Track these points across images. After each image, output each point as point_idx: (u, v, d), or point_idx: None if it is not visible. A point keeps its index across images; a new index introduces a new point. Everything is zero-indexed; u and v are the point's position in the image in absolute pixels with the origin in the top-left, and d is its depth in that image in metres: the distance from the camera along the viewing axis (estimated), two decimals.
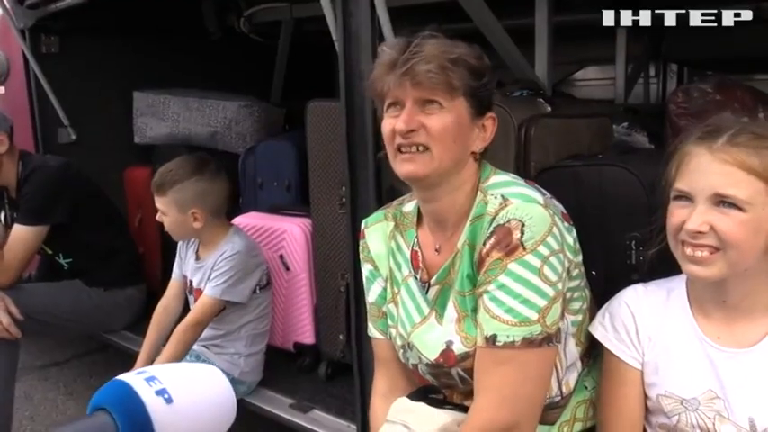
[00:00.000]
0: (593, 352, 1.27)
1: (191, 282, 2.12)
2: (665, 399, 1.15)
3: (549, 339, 1.10)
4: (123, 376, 0.68)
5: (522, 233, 1.08)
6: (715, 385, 1.10)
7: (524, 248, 1.07)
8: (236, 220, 2.24)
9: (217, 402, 0.75)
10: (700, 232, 1.02)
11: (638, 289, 1.21)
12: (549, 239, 1.08)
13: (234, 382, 1.90)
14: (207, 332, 2.04)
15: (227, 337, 2.06)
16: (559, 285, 1.09)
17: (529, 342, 1.08)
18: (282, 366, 2.22)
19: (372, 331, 1.40)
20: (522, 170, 1.49)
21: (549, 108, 1.70)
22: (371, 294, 1.39)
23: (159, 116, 2.69)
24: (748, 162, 0.99)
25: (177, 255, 2.22)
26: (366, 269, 1.39)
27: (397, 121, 1.13)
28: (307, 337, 2.15)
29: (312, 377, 2.15)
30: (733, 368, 1.09)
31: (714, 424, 1.10)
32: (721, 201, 1.01)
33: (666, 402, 1.15)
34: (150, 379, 0.68)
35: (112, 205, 2.63)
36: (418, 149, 1.13)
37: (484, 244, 1.12)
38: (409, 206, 1.33)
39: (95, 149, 2.77)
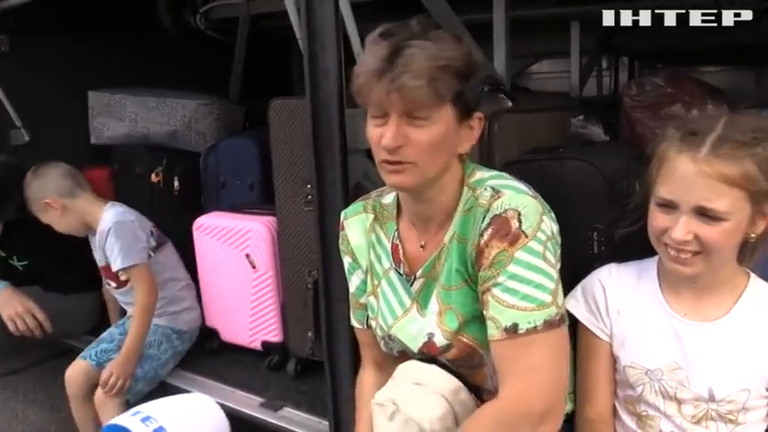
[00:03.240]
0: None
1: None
2: (631, 369, 1.22)
3: (564, 319, 1.14)
4: (119, 420, 0.73)
5: (520, 222, 1.10)
6: (678, 357, 1.17)
7: (526, 236, 1.10)
8: (200, 220, 2.23)
9: (211, 430, 0.78)
10: (685, 241, 1.08)
11: (612, 267, 1.29)
12: (543, 226, 1.12)
13: (180, 333, 2.27)
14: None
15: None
16: (557, 267, 1.13)
17: (549, 324, 1.10)
18: (251, 366, 2.22)
19: (353, 320, 1.44)
20: (487, 165, 1.51)
21: (510, 103, 1.74)
22: (351, 286, 1.41)
23: (116, 116, 2.64)
24: (730, 175, 1.04)
25: None
26: (346, 261, 1.40)
27: (384, 136, 1.11)
28: (275, 335, 2.15)
29: (281, 375, 2.16)
30: (697, 340, 1.17)
31: (676, 393, 1.17)
32: (704, 212, 1.06)
33: (632, 373, 1.22)
34: (146, 419, 0.73)
35: None
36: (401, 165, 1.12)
37: (481, 235, 1.13)
38: (388, 198, 1.34)
39: (50, 151, 2.65)
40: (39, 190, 2.18)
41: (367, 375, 1.43)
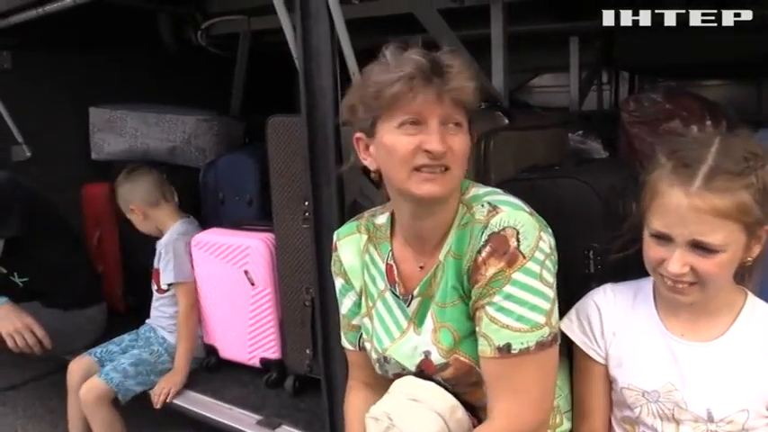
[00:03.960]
0: (562, 364, 1.30)
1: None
2: (628, 391, 1.21)
3: (556, 338, 1.15)
4: None
5: (519, 241, 1.11)
6: (675, 378, 1.16)
7: (524, 257, 1.10)
8: (198, 237, 2.23)
9: None
10: (681, 274, 1.08)
11: (607, 288, 1.28)
12: (542, 244, 1.12)
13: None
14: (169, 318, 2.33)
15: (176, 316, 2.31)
16: (554, 286, 1.13)
17: (541, 345, 1.11)
18: (248, 383, 2.21)
19: (343, 341, 1.43)
20: (482, 183, 1.51)
21: (507, 120, 1.74)
22: (343, 307, 1.40)
23: (117, 132, 2.65)
24: (724, 208, 1.03)
25: None
26: (338, 283, 1.39)
27: (427, 142, 1.10)
28: (273, 352, 2.14)
29: (278, 392, 2.14)
30: (693, 361, 1.16)
31: (673, 414, 1.16)
32: (699, 245, 1.05)
33: (629, 395, 1.21)
34: None
35: (66, 222, 2.56)
36: (440, 170, 1.12)
37: (479, 252, 1.13)
38: (382, 218, 1.33)
39: (51, 167, 2.70)
40: (128, 193, 2.34)
41: (355, 395, 1.41)
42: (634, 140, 2.09)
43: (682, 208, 1.05)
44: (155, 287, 2.38)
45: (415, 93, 1.09)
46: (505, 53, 2.09)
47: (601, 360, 1.26)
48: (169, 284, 2.28)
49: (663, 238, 1.09)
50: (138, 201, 2.32)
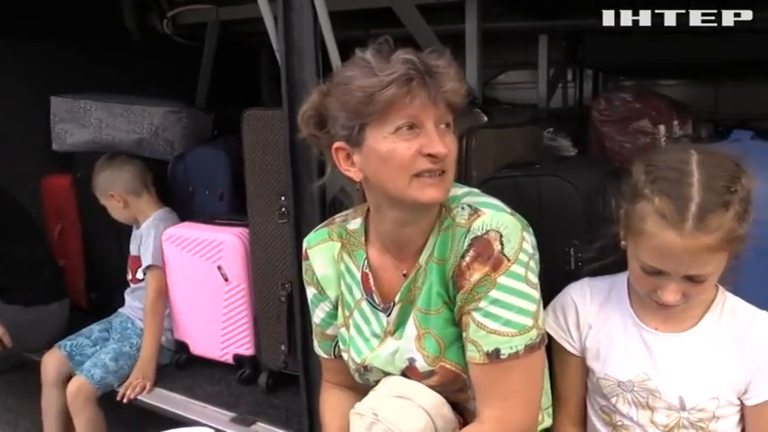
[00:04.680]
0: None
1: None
2: (604, 381, 1.26)
3: (543, 339, 1.16)
4: None
5: (502, 244, 1.10)
6: (649, 368, 1.20)
7: (509, 260, 1.10)
8: (170, 231, 2.18)
9: None
10: (675, 301, 1.11)
11: (584, 282, 1.31)
12: (525, 245, 1.12)
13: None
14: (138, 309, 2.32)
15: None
16: (538, 286, 1.14)
17: (530, 348, 1.12)
18: (220, 379, 2.18)
19: (317, 349, 1.41)
20: (464, 182, 1.52)
21: (486, 118, 1.75)
22: (315, 317, 1.37)
23: (80, 122, 2.56)
24: (715, 245, 1.04)
25: None
26: (310, 292, 1.35)
27: (429, 145, 1.06)
28: (246, 348, 2.12)
29: (252, 389, 2.12)
30: (666, 352, 1.20)
31: (647, 402, 1.21)
32: (692, 278, 1.08)
33: (605, 385, 1.25)
34: None
35: (28, 217, 2.48)
36: (439, 174, 1.10)
37: (462, 257, 1.12)
38: (354, 224, 1.29)
39: (10, 158, 2.59)
40: (109, 180, 2.30)
41: (330, 393, 1.39)
42: (605, 139, 2.14)
43: (676, 250, 1.05)
44: (129, 276, 2.36)
45: (412, 96, 1.05)
46: (480, 50, 2.10)
47: (575, 352, 1.29)
48: (145, 270, 2.25)
49: (655, 272, 1.11)
50: (121, 188, 2.29)
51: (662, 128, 2.07)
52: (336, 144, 1.14)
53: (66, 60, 2.77)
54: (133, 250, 2.35)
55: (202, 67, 2.87)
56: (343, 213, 1.34)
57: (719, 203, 1.04)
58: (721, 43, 2.31)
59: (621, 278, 1.28)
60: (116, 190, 2.29)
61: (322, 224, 1.35)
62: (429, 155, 1.07)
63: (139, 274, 2.30)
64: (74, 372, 2.19)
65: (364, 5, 2.05)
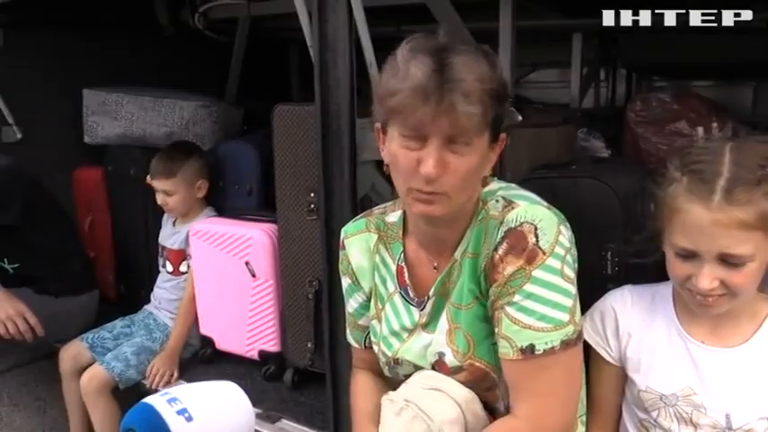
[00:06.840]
0: None
1: (163, 247, 2.38)
2: (646, 394, 1.21)
3: (581, 336, 1.12)
4: (148, 399, 0.79)
5: (537, 237, 1.07)
6: (694, 382, 1.16)
7: (544, 253, 1.07)
8: (197, 226, 2.19)
9: (235, 418, 0.81)
10: (711, 289, 1.06)
11: (625, 290, 1.28)
12: (561, 238, 1.09)
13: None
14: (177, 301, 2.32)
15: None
16: (575, 281, 1.10)
17: (566, 344, 1.08)
18: (245, 375, 2.18)
19: (349, 338, 1.41)
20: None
21: (520, 117, 1.72)
22: (349, 306, 1.37)
23: (112, 115, 2.58)
24: (747, 220, 1.01)
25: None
26: (345, 282, 1.36)
27: (423, 163, 1.02)
28: (272, 344, 2.11)
29: (277, 386, 2.11)
30: (714, 366, 1.15)
31: (691, 418, 1.16)
32: (727, 259, 1.04)
33: (647, 398, 1.21)
34: (172, 400, 0.78)
35: (61, 208, 2.50)
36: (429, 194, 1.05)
37: (495, 249, 1.09)
38: (393, 217, 1.29)
39: (42, 149, 2.62)
40: (196, 168, 2.28)
41: (361, 378, 1.39)
42: (640, 140, 2.10)
43: (705, 224, 1.03)
44: (169, 268, 2.36)
45: (414, 107, 1.01)
46: (513, 48, 2.07)
47: (612, 360, 1.26)
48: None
49: (688, 255, 1.08)
50: (207, 176, 2.31)
51: (700, 130, 2.02)
52: (378, 123, 1.15)
53: (100, 54, 2.79)
54: (173, 244, 2.34)
55: (233, 62, 2.89)
56: (383, 205, 1.34)
57: (750, 179, 1.02)
58: (759, 44, 2.25)
59: (666, 287, 1.24)
60: (202, 178, 2.29)
61: (361, 215, 1.35)
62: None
63: (183, 267, 2.32)
64: (92, 362, 2.22)
65: (399, 2, 2.02)
